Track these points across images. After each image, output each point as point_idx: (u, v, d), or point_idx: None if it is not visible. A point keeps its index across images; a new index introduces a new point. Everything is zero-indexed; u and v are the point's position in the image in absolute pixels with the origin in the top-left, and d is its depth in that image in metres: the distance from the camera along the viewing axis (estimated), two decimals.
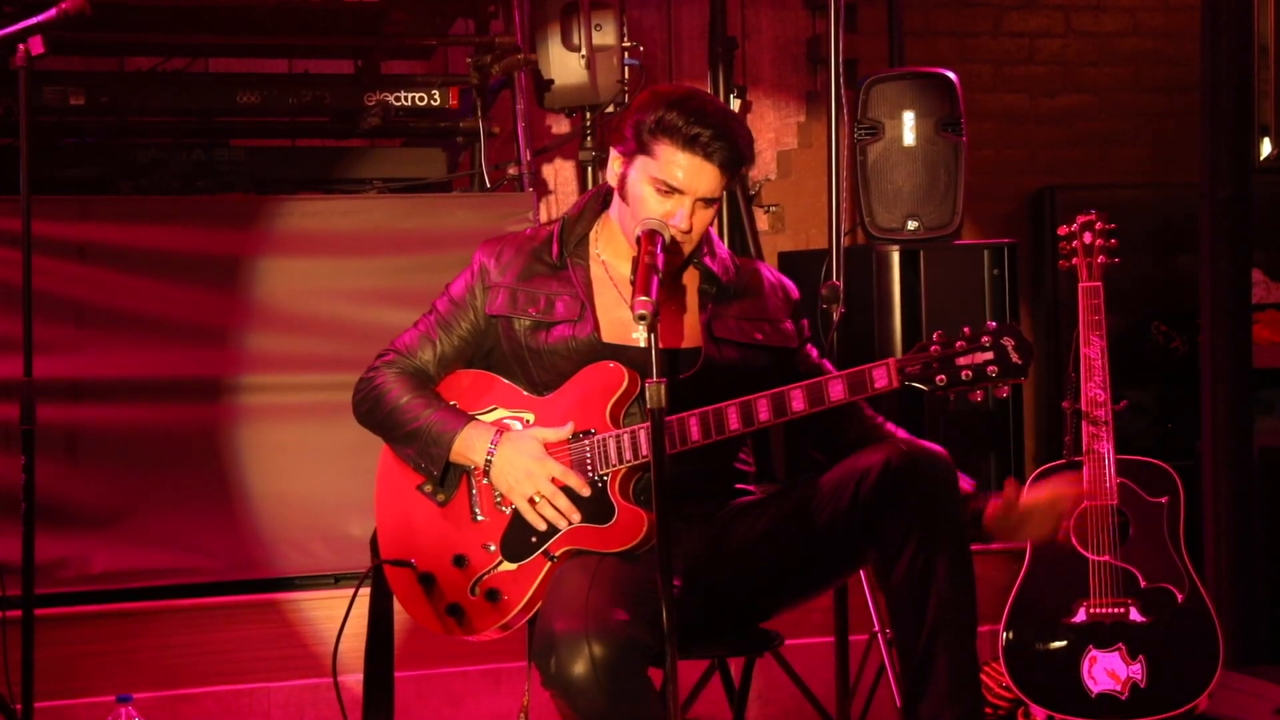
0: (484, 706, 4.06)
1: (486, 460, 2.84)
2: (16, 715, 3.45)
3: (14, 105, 3.67)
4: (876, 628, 3.98)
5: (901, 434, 2.94)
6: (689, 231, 2.83)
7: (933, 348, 2.72)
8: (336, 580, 4.14)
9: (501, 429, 2.87)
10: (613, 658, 2.55)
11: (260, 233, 4.22)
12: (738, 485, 3.02)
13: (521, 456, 2.81)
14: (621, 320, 2.88)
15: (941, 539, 2.75)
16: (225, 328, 4.18)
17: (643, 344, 2.64)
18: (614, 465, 2.80)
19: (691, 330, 2.93)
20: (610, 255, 2.98)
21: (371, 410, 2.99)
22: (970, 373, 2.69)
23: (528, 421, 2.89)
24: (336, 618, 3.15)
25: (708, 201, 2.83)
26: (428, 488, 2.92)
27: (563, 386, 2.88)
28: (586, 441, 2.83)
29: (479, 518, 2.87)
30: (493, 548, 2.85)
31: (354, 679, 3.06)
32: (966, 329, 2.72)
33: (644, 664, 2.62)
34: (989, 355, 2.69)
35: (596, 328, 2.90)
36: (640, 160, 2.84)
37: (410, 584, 2.92)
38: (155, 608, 4.00)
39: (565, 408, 2.87)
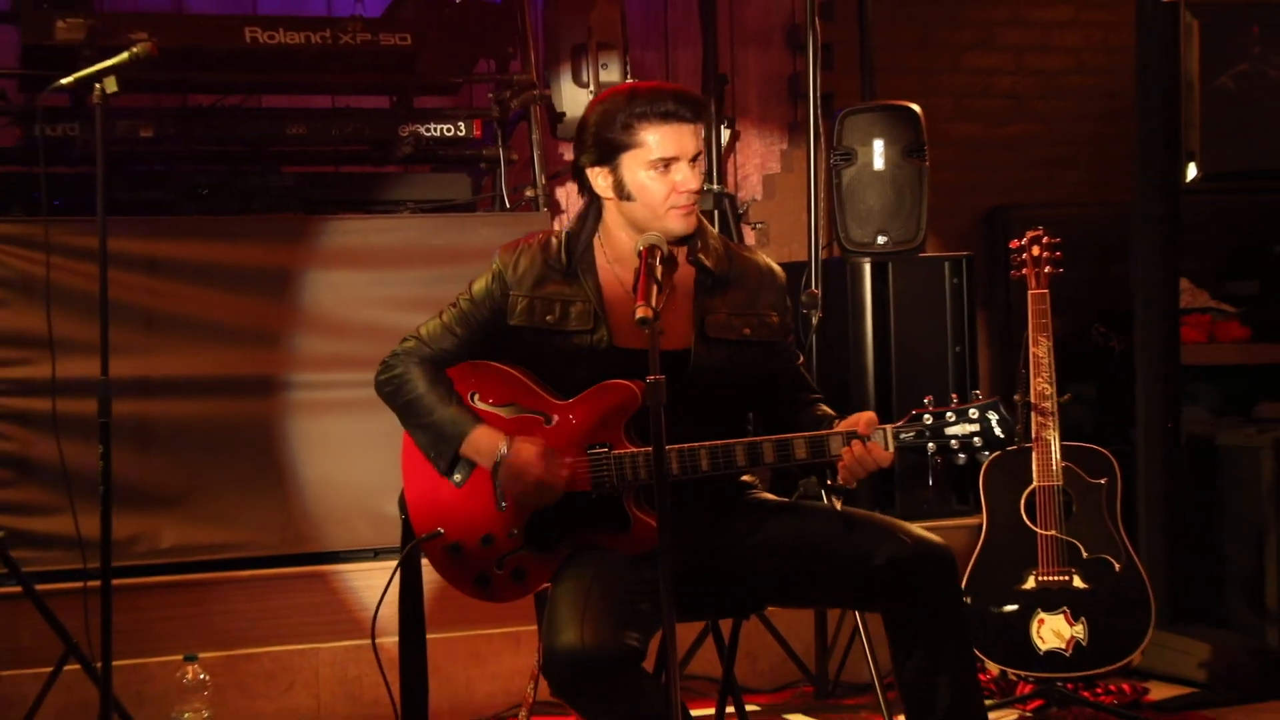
0: (505, 664, 4.07)
1: (495, 465, 2.76)
2: (97, 672, 3.48)
3: (91, 137, 3.68)
4: None
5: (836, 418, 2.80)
6: (698, 190, 2.75)
7: (925, 416, 2.68)
8: (376, 554, 4.14)
9: (509, 433, 2.77)
10: (612, 670, 2.49)
11: (308, 248, 4.23)
12: (743, 478, 2.94)
13: (531, 469, 2.73)
14: (633, 325, 2.71)
15: (950, 654, 2.71)
16: (277, 332, 4.18)
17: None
18: (630, 482, 2.72)
19: (684, 330, 2.80)
20: (617, 261, 2.83)
21: (392, 394, 2.89)
22: (958, 443, 2.67)
23: (544, 421, 2.79)
24: (376, 586, 3.14)
25: (695, 158, 2.74)
26: (435, 468, 2.85)
27: (583, 395, 2.76)
28: (605, 455, 2.74)
29: (503, 506, 2.78)
30: (515, 533, 2.78)
31: (392, 640, 3.06)
32: (954, 395, 2.69)
33: (638, 668, 2.54)
34: (975, 428, 2.67)
35: (610, 335, 2.79)
36: (626, 159, 2.74)
37: (440, 552, 2.85)
38: (217, 578, 4.01)
39: (583, 418, 2.76)
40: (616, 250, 2.85)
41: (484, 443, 2.78)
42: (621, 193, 2.78)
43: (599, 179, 2.80)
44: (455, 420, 2.80)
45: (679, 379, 2.70)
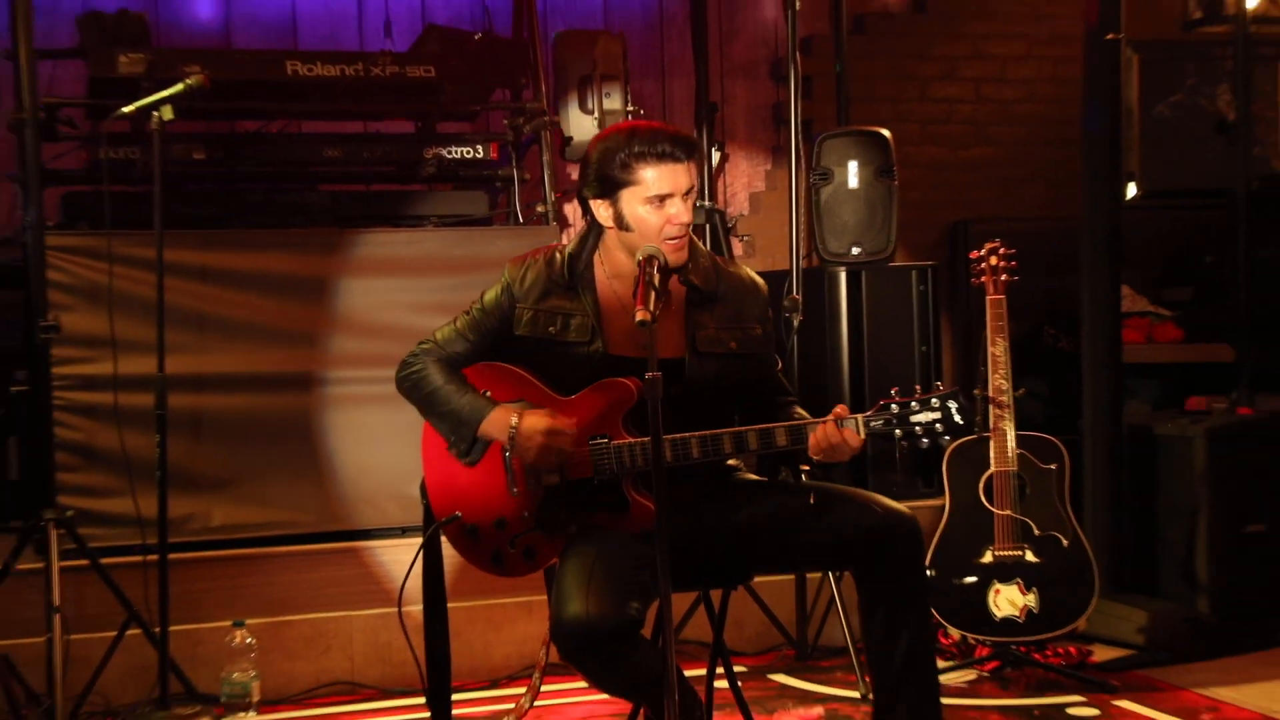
0: (519, 630, 4.11)
1: (510, 436, 2.77)
2: (156, 637, 3.54)
3: (150, 159, 3.71)
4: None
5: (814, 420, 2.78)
6: (689, 223, 2.74)
7: (892, 405, 2.68)
8: (404, 531, 4.16)
9: (520, 410, 2.78)
10: (614, 637, 2.51)
11: (342, 258, 4.26)
12: (729, 462, 2.95)
13: (537, 435, 2.74)
14: (627, 335, 2.77)
15: (910, 613, 2.74)
16: (315, 333, 4.22)
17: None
18: (627, 469, 2.73)
19: (677, 342, 2.81)
20: (616, 278, 2.84)
21: (412, 388, 2.90)
22: (921, 429, 2.66)
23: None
24: (404, 560, 3.15)
25: (687, 193, 2.73)
26: (454, 452, 2.86)
27: (584, 392, 2.77)
28: (605, 445, 2.74)
29: (515, 491, 2.80)
30: (527, 515, 2.80)
31: (419, 608, 3.09)
32: (918, 387, 2.70)
33: (638, 635, 2.56)
34: (936, 415, 2.65)
35: (605, 345, 2.79)
36: (625, 194, 2.73)
37: (458, 533, 2.87)
38: (261, 553, 4.04)
39: (584, 411, 2.76)
40: (615, 267, 2.85)
41: (498, 420, 2.79)
42: (621, 224, 2.78)
43: (600, 210, 2.80)
44: (472, 406, 2.82)
45: (671, 386, 2.67)
